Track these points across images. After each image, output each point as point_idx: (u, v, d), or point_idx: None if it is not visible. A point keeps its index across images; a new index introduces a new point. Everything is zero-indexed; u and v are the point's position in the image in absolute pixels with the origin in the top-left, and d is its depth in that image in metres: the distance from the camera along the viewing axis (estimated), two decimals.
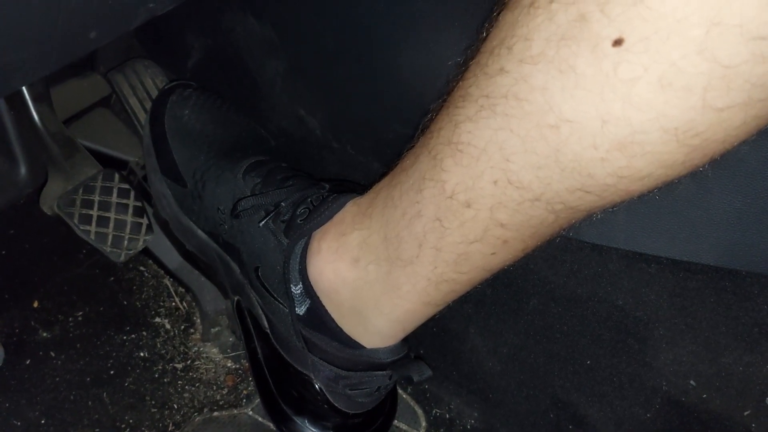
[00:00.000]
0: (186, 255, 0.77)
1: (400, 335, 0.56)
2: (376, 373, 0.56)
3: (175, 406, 0.69)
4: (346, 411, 0.60)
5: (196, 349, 0.74)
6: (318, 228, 0.55)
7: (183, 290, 0.78)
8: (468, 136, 0.42)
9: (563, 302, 0.60)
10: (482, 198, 0.43)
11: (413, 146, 0.49)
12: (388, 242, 0.50)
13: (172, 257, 0.78)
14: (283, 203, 0.58)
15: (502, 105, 0.39)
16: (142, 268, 0.78)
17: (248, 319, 0.65)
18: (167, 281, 0.78)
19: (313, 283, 0.55)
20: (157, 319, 0.75)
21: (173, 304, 0.77)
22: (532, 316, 0.62)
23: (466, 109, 0.42)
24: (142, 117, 0.76)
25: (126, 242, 0.69)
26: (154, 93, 0.77)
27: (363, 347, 0.56)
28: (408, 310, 0.52)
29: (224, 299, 0.76)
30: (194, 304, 0.77)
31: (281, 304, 0.57)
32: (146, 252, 0.78)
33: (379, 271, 0.51)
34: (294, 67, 0.67)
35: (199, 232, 0.66)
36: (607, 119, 0.36)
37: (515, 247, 0.46)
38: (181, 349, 0.74)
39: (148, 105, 0.77)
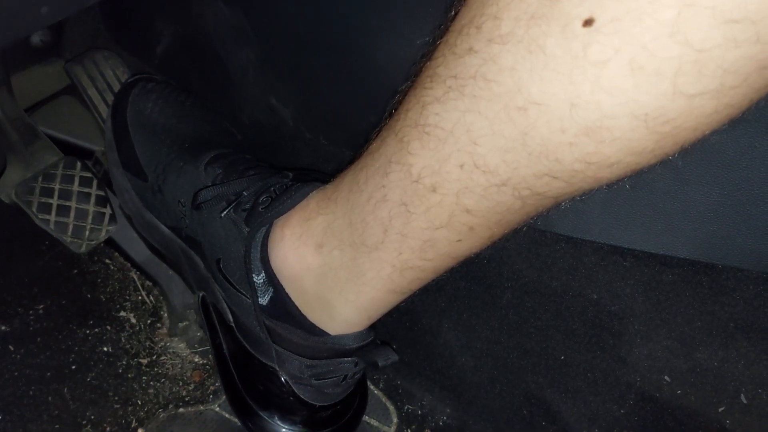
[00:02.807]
0: (153, 248, 0.75)
1: (366, 323, 0.54)
2: (342, 360, 0.55)
3: (139, 402, 0.67)
4: (313, 403, 0.59)
5: (162, 344, 0.72)
6: (280, 216, 0.54)
7: (150, 284, 0.76)
8: (435, 118, 0.41)
9: (537, 296, 0.59)
10: (448, 182, 0.42)
11: (380, 129, 0.48)
12: (353, 227, 0.48)
13: (138, 250, 0.76)
14: (244, 192, 0.57)
15: (471, 86, 0.38)
16: (107, 261, 0.76)
17: (213, 314, 0.63)
18: (134, 274, 0.76)
19: (276, 271, 0.54)
20: (122, 313, 0.73)
21: (139, 297, 0.75)
22: (506, 310, 0.61)
23: (433, 90, 0.41)
24: (103, 109, 0.75)
25: (87, 232, 0.67)
26: (115, 84, 0.75)
27: (328, 335, 0.54)
28: (373, 298, 0.51)
29: (192, 293, 0.75)
30: (161, 298, 0.75)
31: (244, 295, 0.56)
32: (112, 244, 0.75)
33: (343, 257, 0.50)
34: (266, 55, 0.65)
35: (162, 227, 0.65)
36: (576, 102, 0.35)
37: (481, 234, 0.45)
38: (147, 344, 0.71)
39: (109, 96, 0.75)
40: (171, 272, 0.75)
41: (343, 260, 0.50)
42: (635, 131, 0.35)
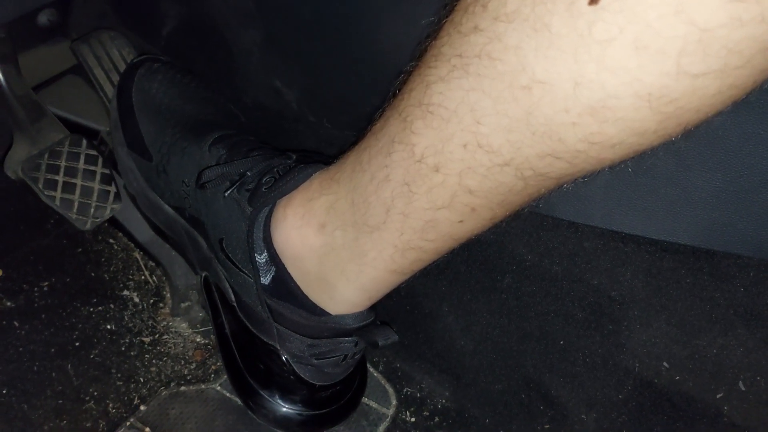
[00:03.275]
0: (156, 228, 0.75)
1: (367, 303, 0.55)
2: (342, 339, 0.55)
3: (142, 380, 0.67)
4: (313, 383, 0.59)
5: (165, 323, 0.72)
6: (283, 196, 0.54)
7: (153, 264, 0.76)
8: (439, 97, 0.41)
9: (538, 281, 0.59)
10: (451, 162, 0.42)
11: (384, 110, 0.48)
12: (355, 207, 0.49)
13: (142, 230, 0.76)
14: (248, 172, 0.57)
15: (475, 65, 0.38)
16: (111, 241, 0.76)
17: (216, 294, 0.64)
18: (137, 254, 0.76)
19: (278, 250, 0.54)
20: (126, 292, 0.73)
21: (142, 277, 0.75)
22: (506, 294, 0.61)
23: (438, 69, 0.41)
24: (108, 89, 0.75)
25: (93, 210, 0.67)
26: (121, 65, 0.75)
27: (329, 315, 0.54)
28: (374, 278, 0.51)
29: (195, 274, 0.75)
30: (164, 278, 0.76)
31: (246, 274, 0.56)
32: (116, 224, 0.76)
33: (345, 237, 0.50)
34: (271, 37, 0.65)
35: (166, 207, 0.65)
36: (580, 82, 0.35)
37: (483, 215, 0.45)
38: (150, 323, 0.72)
39: (114, 77, 0.75)
40: (174, 253, 0.75)
41: (345, 240, 0.51)
42: (639, 111, 0.35)
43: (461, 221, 0.45)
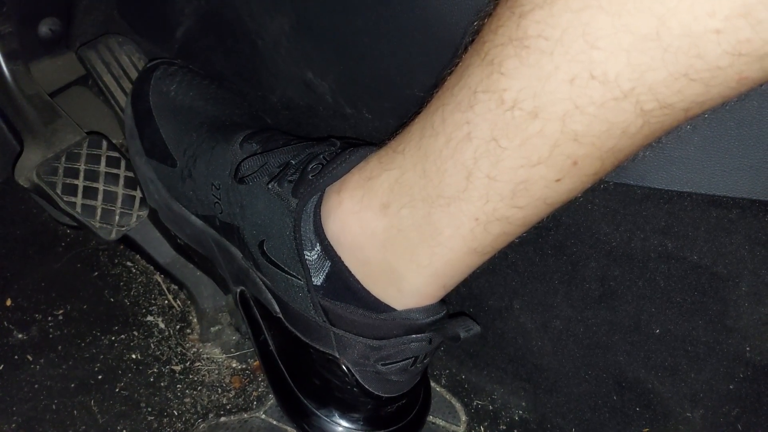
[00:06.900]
0: (179, 248, 0.68)
1: (440, 293, 0.48)
2: (413, 337, 0.48)
3: (176, 413, 0.59)
4: (379, 395, 0.51)
5: (195, 349, 0.65)
6: (335, 181, 0.48)
7: (176, 287, 0.69)
8: (537, 27, 0.35)
9: (626, 263, 0.53)
10: (553, 104, 0.36)
11: (455, 66, 0.42)
12: (427, 178, 0.42)
13: (162, 251, 0.69)
14: (292, 161, 0.51)
15: None
16: (129, 264, 0.69)
17: (255, 310, 0.57)
18: (158, 277, 0.69)
19: (333, 242, 0.47)
20: (150, 318, 0.66)
21: (166, 302, 0.68)
22: (589, 282, 0.54)
23: None
24: (119, 96, 0.69)
25: (117, 217, 0.60)
26: (131, 71, 0.70)
27: (395, 310, 0.47)
28: (450, 260, 0.45)
29: (224, 294, 0.68)
30: (189, 302, 0.68)
31: (294, 277, 0.49)
32: (133, 246, 0.68)
33: (414, 215, 0.44)
34: (301, 22, 0.59)
35: (192, 218, 0.59)
36: None
37: (586, 169, 0.39)
38: (179, 350, 0.64)
39: (125, 83, 0.69)
40: (199, 273, 0.68)
41: (414, 219, 0.44)
42: None
43: (559, 179, 0.39)
